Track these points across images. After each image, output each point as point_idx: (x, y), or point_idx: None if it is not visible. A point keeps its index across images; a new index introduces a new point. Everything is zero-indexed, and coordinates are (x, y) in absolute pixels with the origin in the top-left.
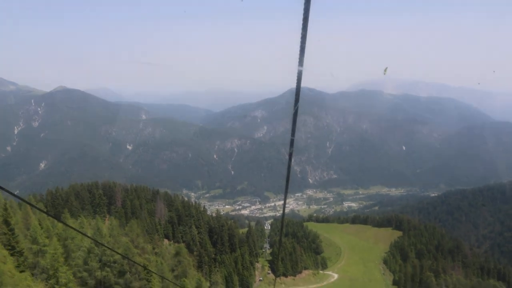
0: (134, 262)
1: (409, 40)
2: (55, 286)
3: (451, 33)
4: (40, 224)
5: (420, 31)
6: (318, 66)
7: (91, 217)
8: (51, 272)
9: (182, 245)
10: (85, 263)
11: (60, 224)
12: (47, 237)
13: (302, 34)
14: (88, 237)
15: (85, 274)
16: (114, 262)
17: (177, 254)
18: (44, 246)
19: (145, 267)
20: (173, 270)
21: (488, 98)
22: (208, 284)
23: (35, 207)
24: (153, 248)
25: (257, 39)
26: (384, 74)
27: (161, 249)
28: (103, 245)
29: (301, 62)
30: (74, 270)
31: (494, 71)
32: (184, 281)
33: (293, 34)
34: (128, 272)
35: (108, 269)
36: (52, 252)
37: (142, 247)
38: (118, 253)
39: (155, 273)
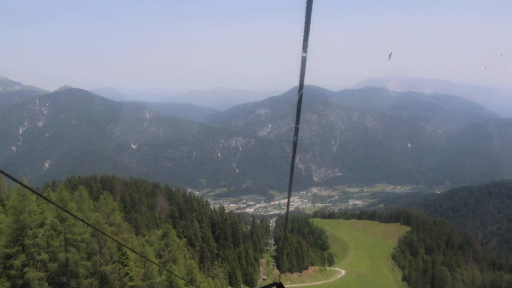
0: (108, 236)
1: (413, 37)
2: None
3: (455, 29)
4: (1, 201)
5: (424, 27)
6: (321, 63)
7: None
8: None
9: (170, 225)
10: (48, 243)
11: (14, 195)
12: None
13: (305, 25)
14: (56, 205)
15: (45, 256)
16: (82, 241)
17: (164, 235)
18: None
19: (120, 243)
20: (160, 256)
21: (493, 95)
22: (210, 279)
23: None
24: (143, 236)
25: (261, 37)
26: (389, 59)
27: (151, 236)
28: (75, 217)
29: (305, 47)
30: (32, 251)
31: (501, 55)
32: (171, 266)
33: (297, 31)
34: (98, 253)
35: (73, 249)
36: None
37: (118, 224)
38: (93, 227)
39: (132, 251)
